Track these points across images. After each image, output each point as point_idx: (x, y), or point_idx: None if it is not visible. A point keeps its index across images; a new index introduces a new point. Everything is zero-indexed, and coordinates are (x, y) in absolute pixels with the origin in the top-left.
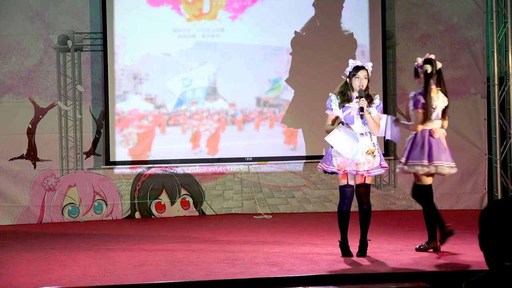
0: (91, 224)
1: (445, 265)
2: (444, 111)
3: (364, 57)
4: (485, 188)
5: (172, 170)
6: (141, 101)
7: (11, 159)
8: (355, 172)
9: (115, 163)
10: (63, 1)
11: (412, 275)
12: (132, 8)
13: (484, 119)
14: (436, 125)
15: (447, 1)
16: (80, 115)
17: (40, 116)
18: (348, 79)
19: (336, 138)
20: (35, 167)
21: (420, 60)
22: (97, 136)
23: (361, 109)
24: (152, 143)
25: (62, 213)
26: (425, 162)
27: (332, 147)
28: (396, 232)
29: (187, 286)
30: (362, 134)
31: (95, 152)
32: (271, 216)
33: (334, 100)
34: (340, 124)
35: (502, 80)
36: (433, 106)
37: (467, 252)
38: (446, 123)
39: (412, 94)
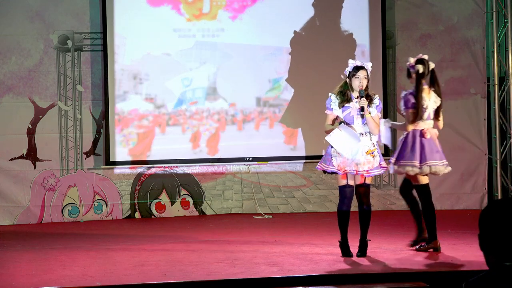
0: (91, 224)
1: (445, 265)
2: (437, 111)
3: (364, 57)
4: (485, 188)
5: (172, 170)
6: (141, 101)
7: (11, 159)
8: (355, 172)
9: (115, 163)
10: (63, 1)
11: (412, 275)
12: (132, 8)
13: (484, 119)
14: (428, 125)
15: (447, 1)
16: (80, 115)
17: (40, 116)
18: (347, 79)
19: (337, 138)
20: (35, 167)
21: (412, 60)
22: (97, 136)
23: (362, 108)
24: (152, 143)
25: (62, 213)
26: (416, 163)
27: (331, 147)
28: (396, 232)
29: (187, 286)
30: (362, 134)
31: (95, 152)
32: (271, 216)
33: (334, 100)
34: (341, 123)
35: (502, 80)
36: (424, 106)
37: (467, 252)
38: (441, 123)
39: (403, 94)
